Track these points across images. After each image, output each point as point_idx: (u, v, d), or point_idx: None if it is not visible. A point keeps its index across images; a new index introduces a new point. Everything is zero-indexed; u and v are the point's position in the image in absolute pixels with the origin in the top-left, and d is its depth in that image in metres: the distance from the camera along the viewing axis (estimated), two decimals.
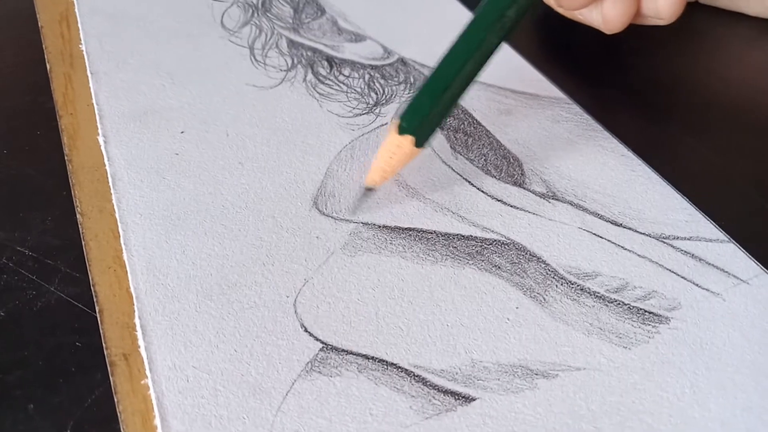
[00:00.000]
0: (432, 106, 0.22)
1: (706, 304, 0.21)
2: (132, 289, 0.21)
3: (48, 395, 0.19)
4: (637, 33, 0.28)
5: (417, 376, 0.19)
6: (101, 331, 0.20)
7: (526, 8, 0.22)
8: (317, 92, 0.29)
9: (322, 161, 0.26)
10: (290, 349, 0.19)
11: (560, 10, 0.27)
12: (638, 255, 0.22)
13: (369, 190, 0.24)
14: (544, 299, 0.21)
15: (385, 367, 0.19)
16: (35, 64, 0.31)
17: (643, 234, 0.23)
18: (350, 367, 0.19)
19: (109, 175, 0.25)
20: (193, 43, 0.32)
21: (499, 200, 0.24)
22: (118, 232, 0.23)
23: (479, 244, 0.23)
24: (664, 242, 0.23)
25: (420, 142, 0.23)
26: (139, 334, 0.20)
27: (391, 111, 0.28)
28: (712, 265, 0.22)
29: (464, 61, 0.22)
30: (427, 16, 0.35)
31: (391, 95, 0.29)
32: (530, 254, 0.22)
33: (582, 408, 0.18)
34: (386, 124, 0.28)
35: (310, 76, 0.30)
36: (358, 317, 0.20)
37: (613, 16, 0.25)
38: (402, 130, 0.23)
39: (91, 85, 0.29)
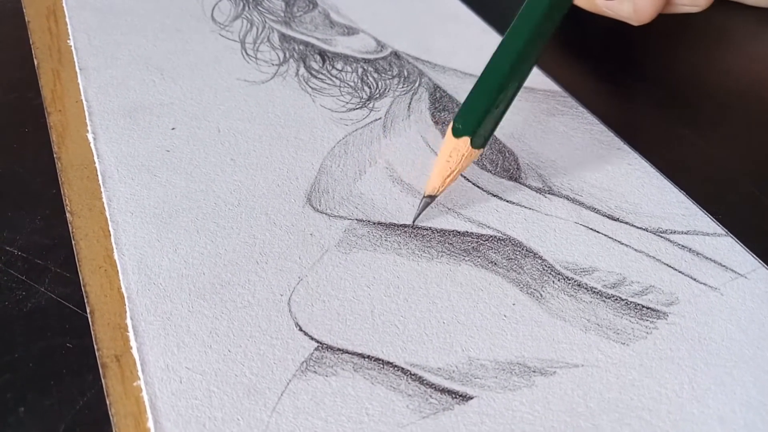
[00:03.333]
0: (488, 105, 0.22)
1: (704, 299, 0.21)
2: (123, 289, 0.21)
3: (39, 398, 0.18)
4: (636, 27, 0.28)
5: (414, 375, 0.19)
6: (92, 332, 0.20)
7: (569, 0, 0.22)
8: (310, 87, 0.29)
9: (315, 157, 0.25)
10: (285, 348, 0.19)
11: (586, 6, 0.26)
12: (635, 250, 0.22)
13: (431, 198, 0.23)
14: (541, 295, 0.21)
15: (382, 365, 0.19)
16: (22, 59, 0.30)
17: (640, 228, 0.23)
18: (346, 366, 0.19)
19: (98, 173, 0.24)
20: (183, 38, 0.31)
21: (494, 195, 0.24)
22: (109, 231, 0.22)
23: (475, 240, 0.22)
24: (662, 236, 0.23)
25: (477, 143, 0.22)
26: (131, 334, 0.19)
27: (385, 105, 0.28)
28: (710, 259, 0.22)
29: (515, 58, 0.22)
30: (420, 9, 0.34)
31: (385, 89, 0.29)
32: (527, 250, 0.22)
33: (580, 405, 0.18)
34: (380, 119, 0.27)
35: (302, 70, 0.30)
36: (354, 315, 0.20)
37: (644, 5, 0.24)
38: (457, 132, 0.22)
39: (79, 81, 0.29)
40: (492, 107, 0.22)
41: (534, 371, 0.19)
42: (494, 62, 0.22)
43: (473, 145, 0.22)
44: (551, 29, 0.23)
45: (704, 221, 0.23)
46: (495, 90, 0.22)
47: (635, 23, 0.25)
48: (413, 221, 0.23)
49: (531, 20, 0.22)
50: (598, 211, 0.24)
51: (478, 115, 0.22)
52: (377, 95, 0.29)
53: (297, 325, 0.20)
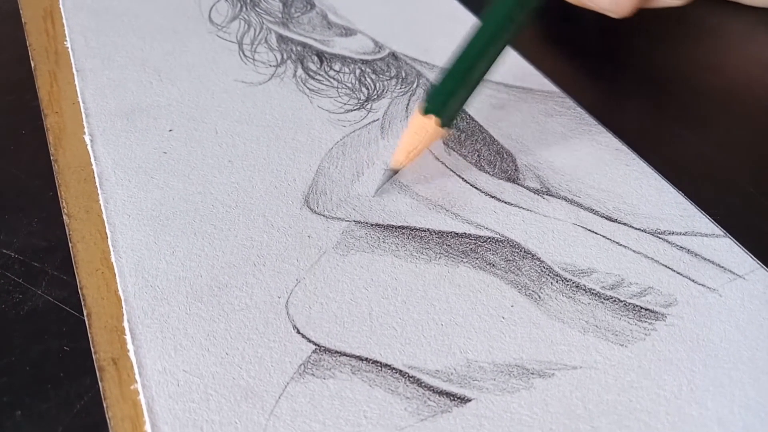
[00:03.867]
0: (455, 86, 0.23)
1: (702, 300, 0.21)
2: (120, 292, 0.21)
3: (36, 402, 0.18)
4: (631, 25, 0.28)
5: (412, 377, 0.19)
6: (89, 335, 0.20)
7: None
8: (307, 88, 0.29)
9: (313, 158, 0.25)
10: (282, 351, 0.19)
11: None
12: (633, 251, 0.22)
13: (394, 171, 0.24)
14: (539, 297, 0.21)
15: (380, 368, 0.19)
16: (19, 61, 0.30)
17: (639, 229, 0.23)
18: (344, 368, 0.19)
19: (96, 175, 0.24)
20: (180, 39, 0.31)
21: (492, 197, 0.24)
22: (106, 233, 0.22)
23: (473, 241, 0.22)
24: (660, 238, 0.23)
25: (444, 122, 0.23)
26: (128, 337, 0.19)
27: (383, 106, 0.28)
28: (708, 260, 0.22)
29: (487, 42, 0.23)
30: (418, 10, 0.34)
31: (383, 90, 0.29)
32: (525, 251, 0.22)
33: (579, 407, 0.18)
34: (378, 120, 0.27)
35: (300, 71, 0.30)
36: (352, 317, 0.20)
37: None
38: (426, 111, 0.23)
39: (76, 82, 0.29)
40: (460, 89, 0.23)
41: (532, 373, 0.19)
42: (466, 46, 0.23)
43: (440, 124, 0.23)
44: (522, 15, 0.23)
45: (702, 222, 0.23)
46: (464, 72, 0.23)
47: (615, 16, 0.25)
48: (375, 192, 0.24)
49: (503, 7, 0.23)
50: (596, 213, 0.24)
51: (445, 96, 0.23)
52: (375, 96, 0.28)
53: (295, 327, 0.20)
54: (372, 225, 0.23)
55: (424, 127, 0.23)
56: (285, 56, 0.31)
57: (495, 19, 0.23)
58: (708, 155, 0.26)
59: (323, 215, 0.23)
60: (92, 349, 0.19)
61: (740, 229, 0.23)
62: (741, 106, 0.29)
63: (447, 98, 0.23)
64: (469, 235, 0.23)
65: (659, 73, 0.31)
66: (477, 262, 0.22)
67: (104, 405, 0.18)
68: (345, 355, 0.19)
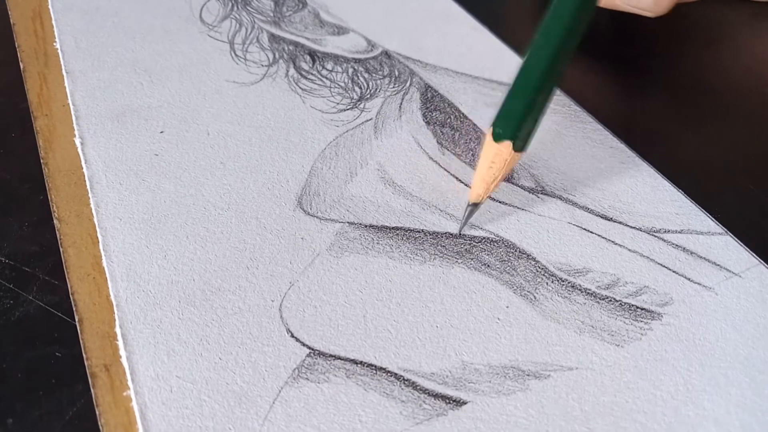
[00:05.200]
0: (525, 106, 0.22)
1: (698, 299, 0.21)
2: (112, 297, 0.20)
3: (27, 409, 0.18)
4: (630, 22, 0.28)
5: (407, 381, 0.19)
6: (81, 341, 0.19)
7: None
8: (300, 88, 0.29)
9: (306, 159, 0.25)
10: (276, 355, 0.19)
11: (602, 2, 0.25)
12: (629, 250, 0.22)
13: (475, 205, 0.23)
14: (535, 297, 0.21)
15: (374, 371, 0.19)
16: (8, 63, 0.30)
17: (634, 228, 0.23)
18: (338, 372, 0.19)
19: (86, 178, 0.24)
20: (171, 39, 0.31)
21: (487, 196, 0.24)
22: (97, 238, 0.22)
23: (468, 242, 0.22)
24: (655, 236, 0.23)
25: (518, 146, 0.22)
26: (120, 343, 0.19)
27: (376, 106, 0.28)
28: (704, 258, 0.22)
29: (551, 58, 0.21)
30: (411, 7, 0.34)
31: (376, 89, 0.29)
32: (520, 251, 0.22)
33: (575, 409, 0.18)
34: (371, 119, 0.27)
35: (292, 71, 0.29)
36: (346, 320, 0.20)
37: None
38: (498, 137, 0.22)
39: (66, 84, 0.28)
40: (531, 108, 0.22)
41: (528, 375, 0.19)
42: (529, 63, 0.22)
43: (515, 148, 0.22)
44: (582, 27, 0.22)
45: (698, 220, 0.23)
46: (533, 91, 0.21)
47: (653, 15, 0.25)
48: (459, 231, 0.23)
49: (562, 18, 0.21)
50: (591, 211, 0.23)
51: (517, 118, 0.22)
52: (368, 96, 0.28)
53: (288, 331, 0.20)
54: (366, 226, 0.23)
55: (500, 154, 0.22)
56: (277, 56, 0.30)
57: (558, 33, 0.21)
58: (707, 152, 0.26)
59: (317, 217, 0.23)
60: (84, 355, 0.19)
61: (740, 226, 0.23)
62: (740, 102, 0.29)
63: (520, 120, 0.22)
64: (464, 235, 0.23)
65: (656, 70, 0.31)
66: (472, 262, 0.22)
67: (97, 412, 0.18)
68: (339, 358, 0.19)
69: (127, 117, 0.27)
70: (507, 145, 0.22)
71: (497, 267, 0.22)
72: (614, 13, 0.30)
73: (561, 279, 0.21)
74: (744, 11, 0.34)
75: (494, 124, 0.22)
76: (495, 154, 0.22)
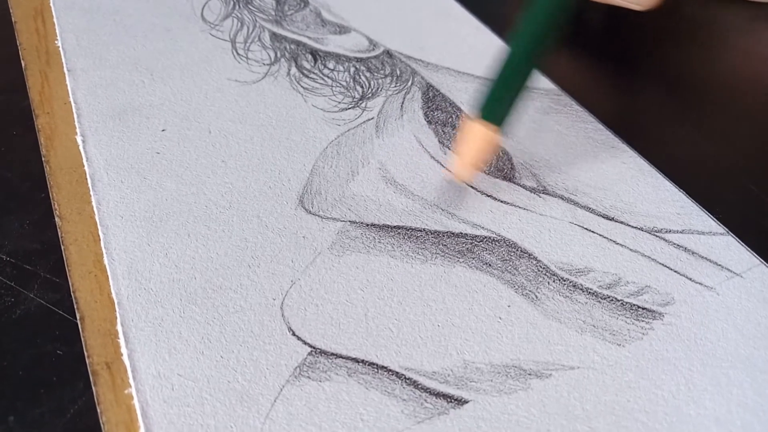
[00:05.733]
0: (506, 91, 0.23)
1: (699, 299, 0.21)
2: (113, 295, 0.20)
3: (29, 407, 0.18)
4: (628, 21, 0.28)
5: (408, 379, 0.19)
6: (83, 339, 0.19)
7: None
8: (302, 86, 0.29)
9: (307, 158, 0.25)
10: (278, 353, 0.19)
11: None
12: (630, 249, 0.22)
13: (462, 184, 0.24)
14: (536, 297, 0.21)
15: (376, 370, 0.19)
16: (9, 61, 0.30)
17: (636, 228, 0.23)
18: (340, 371, 0.19)
19: (88, 176, 0.24)
20: (172, 38, 0.31)
21: (489, 196, 0.24)
22: (99, 235, 0.22)
23: (469, 241, 0.22)
24: (657, 236, 0.23)
25: (498, 126, 0.23)
26: (121, 341, 0.19)
27: (378, 105, 0.28)
28: (706, 258, 0.22)
29: (531, 44, 0.23)
30: (413, 7, 0.34)
31: (378, 88, 0.29)
32: (521, 251, 0.22)
33: (576, 408, 0.18)
34: (373, 118, 0.27)
35: (294, 70, 0.29)
36: (347, 319, 0.20)
37: None
38: (478, 117, 0.23)
39: (68, 82, 0.28)
40: (510, 93, 0.23)
41: (530, 374, 0.19)
42: (510, 51, 0.23)
43: (496, 130, 0.23)
44: (562, 18, 0.23)
45: (700, 220, 0.23)
46: (512, 76, 0.23)
47: (642, 8, 0.25)
48: (454, 212, 0.23)
49: (543, 8, 0.23)
50: (593, 211, 0.23)
51: (497, 100, 0.23)
52: (370, 95, 0.28)
53: (290, 329, 0.20)
54: (367, 225, 0.23)
55: (481, 135, 0.23)
56: (279, 54, 0.30)
57: (538, 21, 0.23)
58: (708, 153, 0.26)
59: (318, 215, 0.23)
60: (85, 353, 0.19)
61: (741, 227, 0.23)
62: (742, 102, 0.29)
63: (499, 103, 0.23)
64: (466, 234, 0.23)
65: (658, 70, 0.31)
66: (473, 261, 0.22)
67: (98, 410, 0.18)
68: (341, 357, 0.19)
69: (129, 115, 0.27)
70: (488, 126, 0.23)
71: (499, 266, 0.22)
72: (615, 13, 0.30)
73: (562, 278, 0.21)
74: (745, 11, 0.34)
75: (475, 105, 0.23)
76: (477, 135, 0.23)
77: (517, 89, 0.23)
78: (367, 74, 0.29)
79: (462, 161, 0.23)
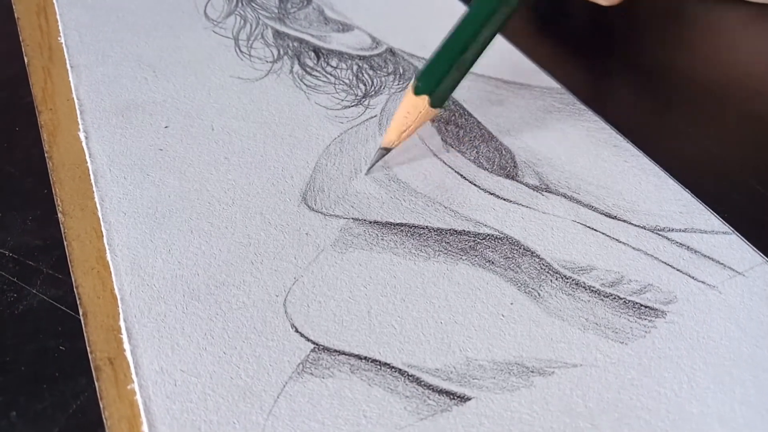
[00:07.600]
0: (447, 67, 0.23)
1: (702, 297, 0.21)
2: (116, 291, 0.20)
3: (31, 402, 0.18)
4: (631, 20, 0.28)
5: (411, 376, 0.19)
6: (85, 335, 0.19)
7: None
8: (304, 84, 0.29)
9: (310, 155, 0.25)
10: (281, 350, 0.19)
11: None
12: (633, 248, 0.22)
13: (386, 150, 0.24)
14: (539, 294, 0.21)
15: (379, 367, 0.19)
16: (12, 57, 0.30)
17: (638, 226, 0.23)
18: (342, 367, 0.19)
19: (90, 173, 0.24)
20: (175, 35, 0.31)
21: (491, 194, 0.24)
22: (101, 232, 0.22)
23: (472, 239, 0.22)
24: (659, 234, 0.23)
25: (435, 103, 0.24)
26: (124, 337, 0.19)
27: (381, 103, 0.28)
28: (708, 257, 0.22)
29: (478, 23, 0.23)
30: (416, 5, 0.34)
31: (380, 86, 0.29)
32: (524, 248, 0.22)
33: (579, 405, 0.18)
34: (376, 116, 0.27)
35: (296, 67, 0.29)
36: (350, 316, 0.20)
37: None
38: (418, 90, 0.23)
39: (71, 79, 0.28)
40: (452, 70, 0.23)
41: (532, 371, 0.19)
42: (458, 27, 0.23)
43: (431, 104, 0.23)
44: (510, 6, 0.23)
45: (702, 219, 0.23)
46: (456, 53, 0.23)
47: (606, 3, 0.25)
48: (367, 171, 0.24)
49: None
50: (595, 209, 0.23)
51: (438, 76, 0.23)
52: (372, 92, 0.28)
53: (293, 326, 0.20)
54: (370, 222, 0.23)
55: (416, 106, 0.24)
56: (281, 52, 0.30)
57: (489, 4, 0.23)
58: (711, 151, 0.26)
59: (321, 212, 0.23)
60: (88, 348, 0.19)
61: (744, 225, 0.23)
62: (745, 101, 0.29)
63: (439, 78, 0.23)
64: (468, 232, 0.23)
65: (661, 69, 0.31)
66: (476, 259, 0.22)
67: (101, 405, 0.18)
68: (344, 353, 0.19)
69: (132, 112, 0.27)
70: (424, 99, 0.23)
71: (501, 264, 0.22)
72: (618, 13, 0.30)
73: (565, 276, 0.21)
74: (742, 10, 0.34)
75: (417, 77, 0.24)
76: (412, 105, 0.24)
77: (454, 66, 0.23)
78: (370, 72, 0.29)
79: (391, 127, 0.24)
